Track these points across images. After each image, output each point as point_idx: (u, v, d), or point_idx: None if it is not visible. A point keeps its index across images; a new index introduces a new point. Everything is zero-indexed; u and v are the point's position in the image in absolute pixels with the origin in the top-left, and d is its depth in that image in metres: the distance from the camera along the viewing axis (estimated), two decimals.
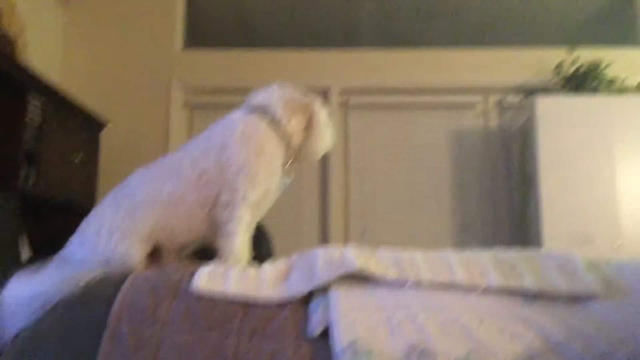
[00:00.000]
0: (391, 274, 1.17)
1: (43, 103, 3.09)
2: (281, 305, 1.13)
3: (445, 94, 4.22)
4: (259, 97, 1.77)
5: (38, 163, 3.04)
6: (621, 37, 4.24)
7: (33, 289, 1.22)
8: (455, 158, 4.18)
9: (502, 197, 4.10)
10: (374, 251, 1.30)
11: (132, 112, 4.10)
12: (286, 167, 1.76)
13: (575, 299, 1.10)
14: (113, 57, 4.22)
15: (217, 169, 1.57)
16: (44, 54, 3.81)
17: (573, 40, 4.08)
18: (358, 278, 1.17)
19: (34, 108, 3.02)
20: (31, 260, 1.58)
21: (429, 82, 4.20)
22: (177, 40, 4.30)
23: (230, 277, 1.22)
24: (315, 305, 1.12)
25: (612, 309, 1.06)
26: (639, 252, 3.32)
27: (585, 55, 3.88)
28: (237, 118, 1.70)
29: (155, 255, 1.57)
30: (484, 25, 4.36)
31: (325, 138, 1.81)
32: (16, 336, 1.16)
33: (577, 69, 3.85)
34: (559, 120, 3.56)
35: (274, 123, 1.70)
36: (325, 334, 1.05)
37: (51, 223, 3.38)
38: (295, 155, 1.79)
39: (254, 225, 1.71)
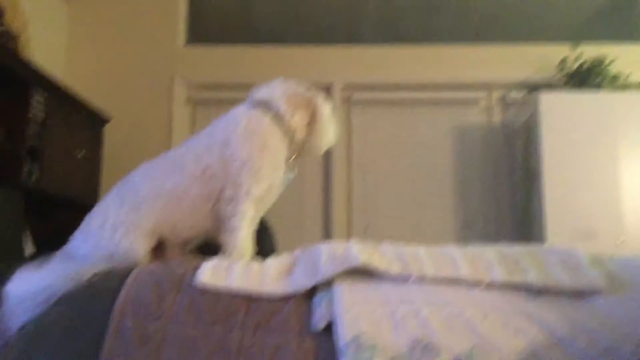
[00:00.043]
0: (395, 268, 1.17)
1: (46, 99, 3.09)
2: (285, 300, 1.14)
3: (448, 90, 4.21)
4: (261, 92, 1.77)
5: (41, 159, 3.04)
6: (625, 33, 4.22)
7: (37, 283, 1.22)
8: (458, 154, 4.17)
9: (505, 193, 4.09)
10: (378, 246, 1.30)
11: (135, 107, 4.10)
12: (289, 162, 1.76)
13: (579, 294, 1.10)
14: (116, 53, 4.22)
15: (221, 164, 1.57)
16: (47, 50, 3.81)
17: (577, 36, 4.07)
18: (361, 273, 1.17)
19: (37, 104, 3.03)
20: (35, 256, 1.59)
21: (432, 78, 4.19)
22: (179, 36, 4.30)
23: (234, 271, 1.22)
24: (319, 300, 1.12)
25: (616, 304, 1.06)
26: None
27: (589, 51, 3.87)
28: (241, 113, 1.70)
29: (159, 249, 1.57)
30: (487, 21, 4.35)
31: (329, 133, 1.81)
32: (20, 330, 1.17)
33: (581, 65, 3.84)
34: (562, 116, 3.56)
35: (278, 118, 1.70)
36: (329, 328, 1.05)
37: (54, 218, 3.39)
38: (299, 150, 1.79)
39: (257, 220, 1.71)
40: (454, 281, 1.15)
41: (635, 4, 4.34)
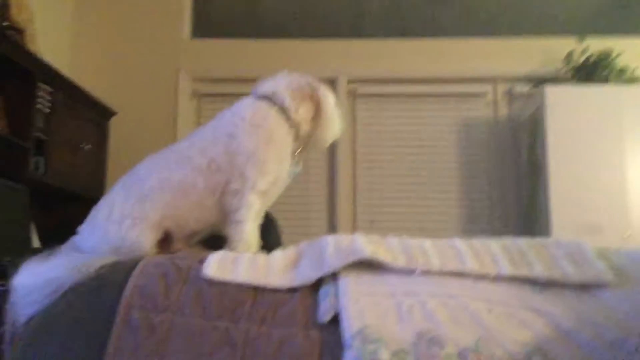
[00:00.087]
0: (400, 261, 1.17)
1: (52, 92, 3.10)
2: (291, 292, 1.14)
3: (453, 84, 4.19)
4: (266, 86, 1.76)
5: (47, 152, 3.05)
6: (632, 26, 4.20)
7: (45, 275, 1.23)
8: (463, 148, 4.16)
9: (511, 187, 4.08)
10: (383, 239, 1.30)
11: (140, 101, 4.11)
12: (295, 155, 1.76)
13: (585, 287, 1.10)
14: (121, 46, 4.22)
15: (226, 156, 1.57)
16: (53, 44, 3.81)
17: (583, 29, 4.04)
18: (367, 265, 1.17)
19: (43, 97, 3.04)
20: (42, 249, 1.59)
21: (438, 71, 4.18)
22: (185, 29, 4.29)
23: (240, 264, 1.22)
24: (325, 292, 1.12)
25: (622, 297, 1.06)
26: None
27: (596, 44, 3.84)
28: (246, 106, 1.69)
29: (165, 242, 1.57)
30: (493, 14, 4.32)
31: (334, 125, 1.80)
32: (28, 322, 1.18)
33: (587, 59, 3.82)
34: (568, 110, 3.54)
35: (283, 111, 1.69)
36: (335, 320, 1.05)
37: (59, 212, 3.41)
38: (304, 143, 1.79)
39: (262, 214, 1.71)
40: (459, 274, 1.15)
41: None
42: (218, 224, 1.61)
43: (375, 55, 4.21)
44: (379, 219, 4.09)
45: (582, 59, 3.84)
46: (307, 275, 1.17)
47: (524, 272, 1.14)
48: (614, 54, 3.78)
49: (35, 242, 3.03)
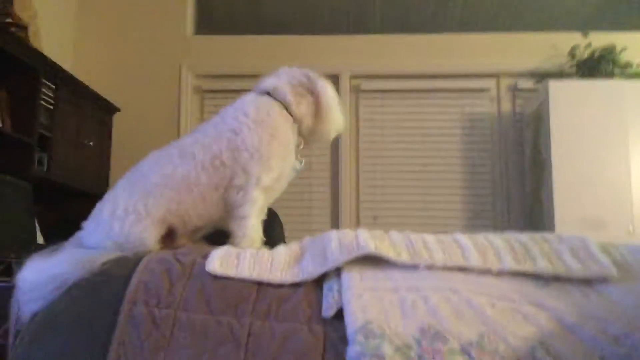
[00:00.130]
0: (404, 256, 1.17)
1: (55, 88, 3.11)
2: (294, 287, 1.14)
3: (457, 79, 4.19)
4: (267, 82, 1.76)
5: (51, 148, 3.06)
6: (636, 21, 4.18)
7: (49, 271, 1.23)
8: (467, 143, 4.16)
9: (515, 182, 4.08)
10: (387, 234, 1.30)
11: (143, 97, 4.12)
12: (298, 150, 1.75)
13: (589, 282, 1.10)
14: (124, 43, 4.23)
15: (230, 152, 1.57)
16: (56, 41, 3.82)
17: (587, 24, 4.03)
18: (371, 260, 1.17)
19: (46, 93, 3.04)
20: (46, 245, 1.60)
21: (441, 66, 4.17)
22: (188, 26, 4.30)
23: (243, 259, 1.22)
24: (329, 287, 1.12)
25: (626, 292, 1.06)
26: None
27: (600, 39, 3.84)
28: (249, 101, 1.69)
29: (169, 237, 1.57)
30: (496, 9, 4.31)
31: (335, 119, 1.79)
32: (32, 318, 1.18)
33: (591, 54, 3.81)
34: (572, 104, 3.54)
35: (285, 106, 1.69)
36: (339, 315, 1.05)
37: (63, 208, 3.42)
38: (306, 139, 1.78)
39: (265, 210, 1.71)
40: (463, 269, 1.14)
41: None
42: (221, 219, 1.61)
43: (378, 50, 4.20)
44: (382, 214, 4.09)
45: (586, 53, 3.83)
46: (310, 270, 1.17)
47: (527, 267, 1.14)
48: (618, 49, 3.77)
49: (39, 239, 3.04)
